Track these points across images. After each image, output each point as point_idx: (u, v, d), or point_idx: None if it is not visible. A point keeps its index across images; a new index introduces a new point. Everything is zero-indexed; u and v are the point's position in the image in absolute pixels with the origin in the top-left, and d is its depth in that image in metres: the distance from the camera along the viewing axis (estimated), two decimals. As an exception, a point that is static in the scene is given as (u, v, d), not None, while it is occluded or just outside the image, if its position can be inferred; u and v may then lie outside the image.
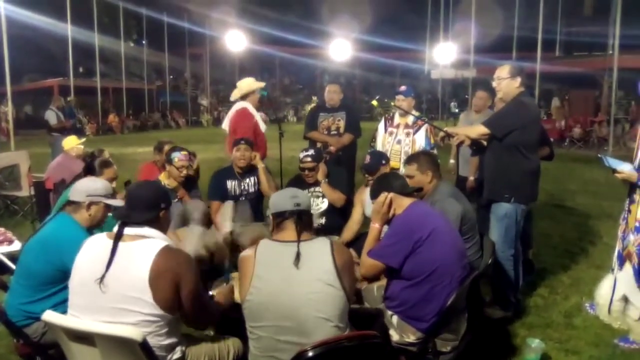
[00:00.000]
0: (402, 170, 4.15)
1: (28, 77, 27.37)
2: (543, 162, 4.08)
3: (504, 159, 3.62)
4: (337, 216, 4.24)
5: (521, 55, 19.78)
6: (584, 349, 3.37)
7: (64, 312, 2.20)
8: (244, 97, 5.24)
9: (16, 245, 4.59)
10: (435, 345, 2.57)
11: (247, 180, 4.38)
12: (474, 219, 3.37)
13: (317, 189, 4.29)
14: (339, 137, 5.53)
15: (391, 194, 2.71)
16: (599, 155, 3.74)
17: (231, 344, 2.42)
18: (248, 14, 30.62)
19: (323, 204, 4.29)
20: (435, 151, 4.63)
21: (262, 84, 5.47)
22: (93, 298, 2.07)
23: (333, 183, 4.25)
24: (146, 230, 2.18)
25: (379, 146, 4.99)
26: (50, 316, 2.09)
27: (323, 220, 4.29)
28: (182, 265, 2.12)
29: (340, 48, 28.14)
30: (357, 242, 3.74)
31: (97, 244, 2.19)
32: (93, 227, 2.83)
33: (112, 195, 2.93)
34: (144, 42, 31.35)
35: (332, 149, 5.43)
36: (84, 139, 6.38)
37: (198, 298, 2.20)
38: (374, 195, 2.79)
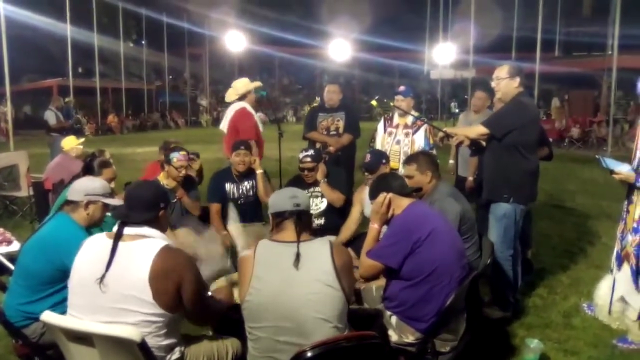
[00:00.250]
0: (401, 171, 4.15)
1: (27, 77, 27.36)
2: (542, 163, 4.08)
3: (503, 159, 3.62)
4: (336, 216, 4.24)
5: (520, 56, 19.81)
6: (582, 349, 3.37)
7: (63, 312, 2.20)
8: (241, 98, 5.24)
9: (15, 246, 4.59)
10: (434, 346, 2.57)
11: (246, 183, 4.38)
12: (473, 219, 3.37)
13: (316, 189, 4.30)
14: (338, 138, 5.52)
15: (390, 195, 2.71)
16: (597, 156, 3.74)
17: (230, 345, 2.42)
18: (247, 14, 30.65)
19: (322, 204, 4.30)
20: (434, 151, 4.64)
21: (257, 84, 5.47)
22: (93, 298, 2.07)
23: (332, 183, 4.26)
24: (146, 230, 2.18)
25: (378, 146, 4.99)
26: (48, 317, 2.09)
27: (322, 221, 4.29)
28: (182, 265, 2.12)
29: (339, 48, 28.16)
30: (355, 242, 3.75)
31: (97, 244, 2.19)
32: (91, 227, 2.83)
33: (110, 194, 2.93)
34: (143, 42, 31.35)
35: (331, 149, 5.43)
36: (82, 139, 6.37)
37: (199, 297, 2.21)
38: (373, 196, 2.79)
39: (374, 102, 8.27)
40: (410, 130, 4.86)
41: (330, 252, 2.18)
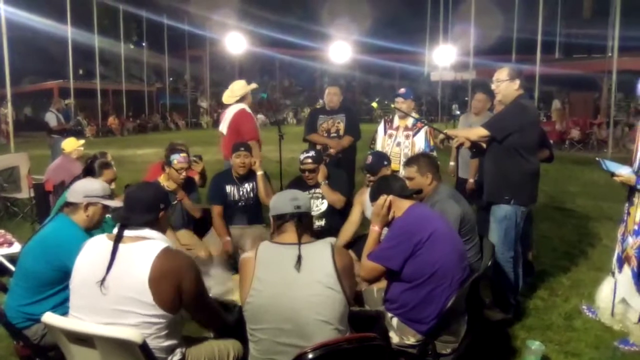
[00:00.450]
0: (402, 173, 4.15)
1: (28, 79, 27.40)
2: (543, 164, 4.08)
3: (503, 161, 3.62)
4: (337, 218, 4.24)
5: (521, 58, 19.83)
6: (584, 351, 3.37)
7: (64, 313, 2.20)
8: (239, 100, 5.26)
9: (16, 247, 4.60)
10: (435, 348, 2.57)
11: (246, 185, 4.38)
12: (473, 220, 3.37)
13: (317, 190, 4.30)
14: (339, 140, 5.53)
15: (390, 197, 2.72)
16: (597, 159, 3.75)
17: (231, 346, 2.41)
18: (248, 16, 30.67)
19: (323, 206, 4.30)
20: (434, 153, 4.64)
21: (254, 86, 5.49)
22: (94, 299, 2.07)
23: (333, 185, 4.26)
24: (146, 232, 2.18)
25: (378, 148, 4.99)
26: (49, 318, 2.09)
27: (323, 222, 4.29)
28: (182, 267, 2.12)
29: (340, 50, 28.20)
30: (356, 243, 3.75)
31: (98, 246, 2.19)
32: (91, 229, 2.82)
33: (110, 196, 2.93)
34: (143, 44, 31.38)
35: (331, 151, 5.43)
36: (82, 141, 6.37)
37: (201, 298, 2.21)
38: (374, 198, 2.79)
39: (374, 104, 8.32)
40: (410, 132, 4.86)
41: (331, 254, 2.18)
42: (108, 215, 3.01)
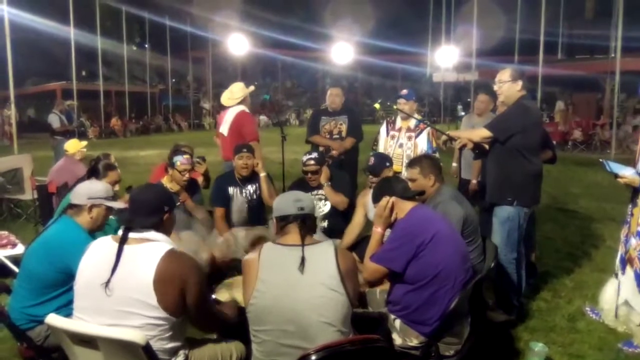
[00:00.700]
0: (404, 174, 4.15)
1: (31, 80, 27.50)
2: (545, 165, 4.08)
3: (506, 162, 3.62)
4: (340, 219, 4.24)
5: (523, 59, 19.78)
6: (587, 353, 3.36)
7: (67, 315, 2.20)
8: (239, 102, 5.29)
9: (19, 249, 4.61)
10: (438, 349, 2.57)
11: (249, 187, 4.38)
12: (476, 222, 3.37)
13: (319, 192, 4.30)
14: (341, 141, 5.53)
15: (393, 198, 2.72)
16: (601, 160, 3.74)
17: (234, 348, 2.42)
18: (250, 18, 30.71)
19: (326, 207, 4.30)
20: (437, 155, 4.63)
21: (253, 88, 5.53)
22: (98, 301, 2.08)
23: (336, 186, 4.26)
24: (151, 234, 2.18)
25: (380, 150, 4.99)
26: (53, 319, 2.09)
27: (326, 223, 4.29)
28: (187, 269, 2.13)
29: (342, 51, 28.18)
30: (359, 245, 3.74)
31: (103, 247, 2.19)
32: (95, 230, 2.83)
33: (113, 197, 2.93)
34: (146, 45, 31.47)
35: (334, 152, 5.43)
36: (85, 142, 6.39)
37: (203, 301, 2.21)
38: (376, 199, 2.79)
39: (376, 105, 8.32)
40: (413, 134, 4.86)
41: (335, 256, 2.18)
42: (111, 217, 3.02)
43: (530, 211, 3.79)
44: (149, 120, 28.82)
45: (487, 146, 3.74)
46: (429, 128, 4.86)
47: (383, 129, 5.10)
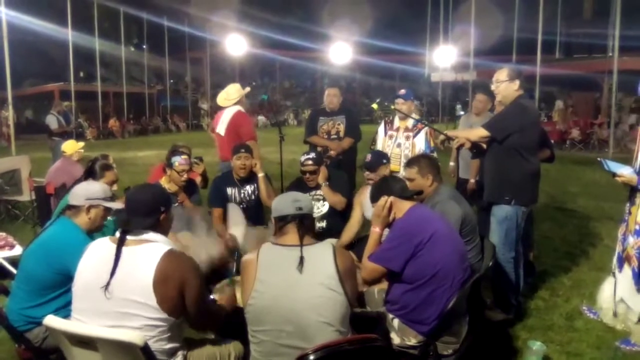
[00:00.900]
0: (403, 174, 4.15)
1: (29, 81, 27.45)
2: (543, 164, 4.08)
3: (504, 161, 3.62)
4: (338, 219, 4.25)
5: (521, 58, 19.82)
6: (585, 351, 3.37)
7: (66, 316, 2.20)
8: (235, 103, 5.33)
9: (17, 250, 4.60)
10: (436, 348, 2.57)
11: (247, 187, 4.38)
12: (474, 221, 3.37)
13: (317, 192, 4.30)
14: (339, 141, 5.53)
15: (391, 198, 2.72)
16: (599, 159, 3.74)
17: (232, 348, 2.42)
18: (248, 18, 30.71)
19: (324, 207, 4.30)
20: (435, 154, 4.64)
21: (248, 90, 5.58)
22: (97, 302, 2.07)
23: (334, 186, 4.26)
24: (149, 235, 2.18)
25: (378, 149, 4.99)
26: (51, 321, 2.09)
27: (324, 224, 4.30)
28: (186, 269, 2.13)
29: (340, 51, 28.23)
30: (357, 245, 3.75)
31: (101, 249, 2.19)
32: (93, 231, 2.83)
33: (111, 198, 2.93)
34: (144, 46, 31.46)
35: (332, 153, 5.43)
36: (82, 143, 6.38)
37: (202, 302, 2.21)
38: (374, 199, 2.79)
39: (374, 105, 8.28)
40: (411, 133, 4.87)
41: (333, 256, 2.18)
42: (109, 218, 3.01)
43: (528, 210, 3.80)
44: (147, 121, 28.82)
45: (484, 145, 3.74)
46: (426, 128, 4.87)
47: (381, 128, 5.11)
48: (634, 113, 17.46)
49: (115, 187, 4.02)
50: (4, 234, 4.98)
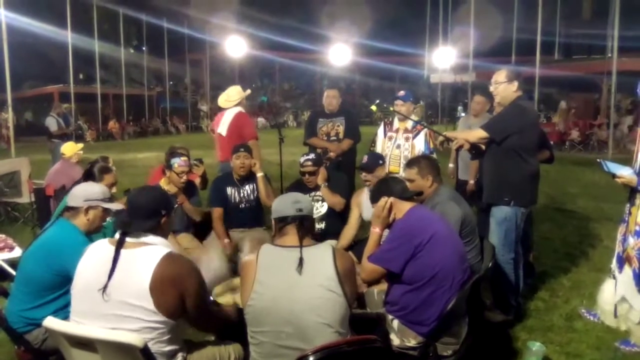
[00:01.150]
0: (402, 175, 4.15)
1: (28, 84, 27.47)
2: (543, 165, 4.08)
3: (503, 162, 3.63)
4: (337, 220, 4.25)
5: (520, 59, 19.86)
6: (585, 352, 3.36)
7: (65, 318, 2.20)
8: (235, 105, 5.38)
9: (17, 252, 4.60)
10: (436, 349, 2.57)
11: (247, 187, 4.39)
12: (474, 222, 3.38)
13: (317, 193, 4.31)
14: (339, 143, 5.54)
15: (391, 199, 2.72)
16: (598, 160, 3.74)
17: (232, 350, 2.41)
18: (248, 20, 30.77)
19: (323, 208, 4.30)
20: (434, 155, 4.64)
21: (249, 92, 5.65)
22: (95, 304, 2.07)
23: (333, 188, 4.27)
24: (149, 238, 2.17)
25: (378, 151, 5.00)
26: (51, 322, 2.09)
27: (323, 225, 4.30)
28: (184, 272, 2.12)
29: (339, 53, 28.30)
30: (357, 246, 3.75)
31: (100, 251, 2.18)
32: (92, 232, 2.83)
33: (110, 199, 2.93)
34: (144, 48, 31.48)
35: (332, 154, 5.44)
36: (81, 145, 6.39)
37: (202, 304, 2.21)
38: (375, 200, 2.79)
39: (373, 107, 8.32)
40: (410, 135, 4.87)
41: (332, 257, 2.18)
42: (108, 219, 3.01)
43: (527, 211, 3.80)
44: (147, 123, 28.84)
45: (483, 147, 3.74)
46: (426, 129, 4.87)
47: (380, 130, 5.11)
48: (629, 114, 17.49)
49: (114, 190, 4.02)
50: (3, 236, 4.98)
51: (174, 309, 2.09)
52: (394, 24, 33.84)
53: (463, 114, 17.88)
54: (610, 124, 15.38)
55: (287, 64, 36.55)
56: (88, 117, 25.39)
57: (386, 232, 2.77)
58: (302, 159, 4.30)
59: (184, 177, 4.15)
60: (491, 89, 3.78)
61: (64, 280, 2.52)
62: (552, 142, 5.76)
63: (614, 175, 3.53)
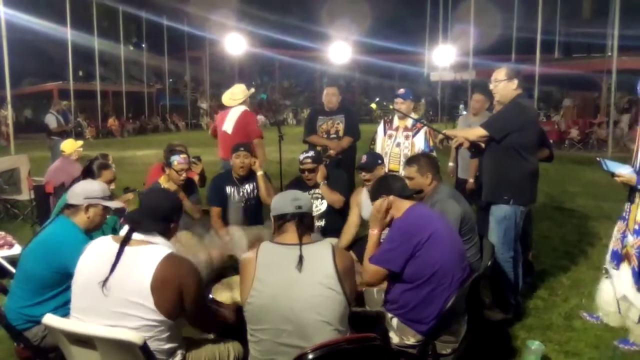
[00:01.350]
0: (402, 173, 4.16)
1: (28, 80, 27.41)
2: (542, 164, 4.08)
3: (502, 160, 3.63)
4: (337, 218, 4.25)
5: (520, 57, 19.83)
6: (583, 351, 3.37)
7: (65, 315, 2.20)
8: (240, 103, 5.42)
9: (16, 249, 4.60)
10: (435, 348, 2.57)
11: (246, 186, 4.39)
12: (473, 220, 3.38)
13: (316, 190, 4.31)
14: (339, 141, 5.54)
15: (390, 198, 2.72)
16: (598, 159, 3.74)
17: (231, 347, 2.42)
18: (247, 17, 30.70)
19: (322, 206, 4.30)
20: (434, 154, 4.64)
21: (253, 91, 5.70)
22: (95, 301, 2.07)
23: (333, 185, 4.27)
24: (152, 237, 2.18)
25: (378, 149, 5.00)
26: (50, 319, 2.09)
27: (322, 222, 4.30)
28: (185, 273, 2.13)
29: (339, 51, 28.24)
30: (357, 244, 3.75)
31: (102, 247, 2.19)
32: (92, 230, 2.83)
33: (110, 197, 2.93)
34: (143, 45, 31.40)
35: (331, 152, 5.44)
36: (81, 142, 6.38)
37: (201, 304, 2.21)
38: (374, 198, 2.79)
39: (373, 105, 8.31)
40: (410, 133, 4.87)
41: (332, 255, 2.19)
42: (108, 217, 3.01)
43: (526, 210, 3.80)
44: (146, 120, 28.79)
45: (483, 145, 3.74)
46: (426, 127, 4.87)
47: (380, 128, 5.11)
48: (626, 113, 17.48)
49: (112, 186, 4.02)
50: (3, 233, 4.98)
51: (173, 309, 2.09)
52: (394, 22, 33.79)
53: (464, 112, 17.87)
54: (610, 122, 15.37)
55: (286, 62, 36.47)
56: (87, 115, 25.35)
57: (386, 230, 2.77)
58: (301, 156, 4.30)
59: (184, 175, 4.15)
60: (491, 86, 3.77)
61: (63, 278, 2.52)
62: (551, 141, 5.75)
63: (613, 174, 3.52)
